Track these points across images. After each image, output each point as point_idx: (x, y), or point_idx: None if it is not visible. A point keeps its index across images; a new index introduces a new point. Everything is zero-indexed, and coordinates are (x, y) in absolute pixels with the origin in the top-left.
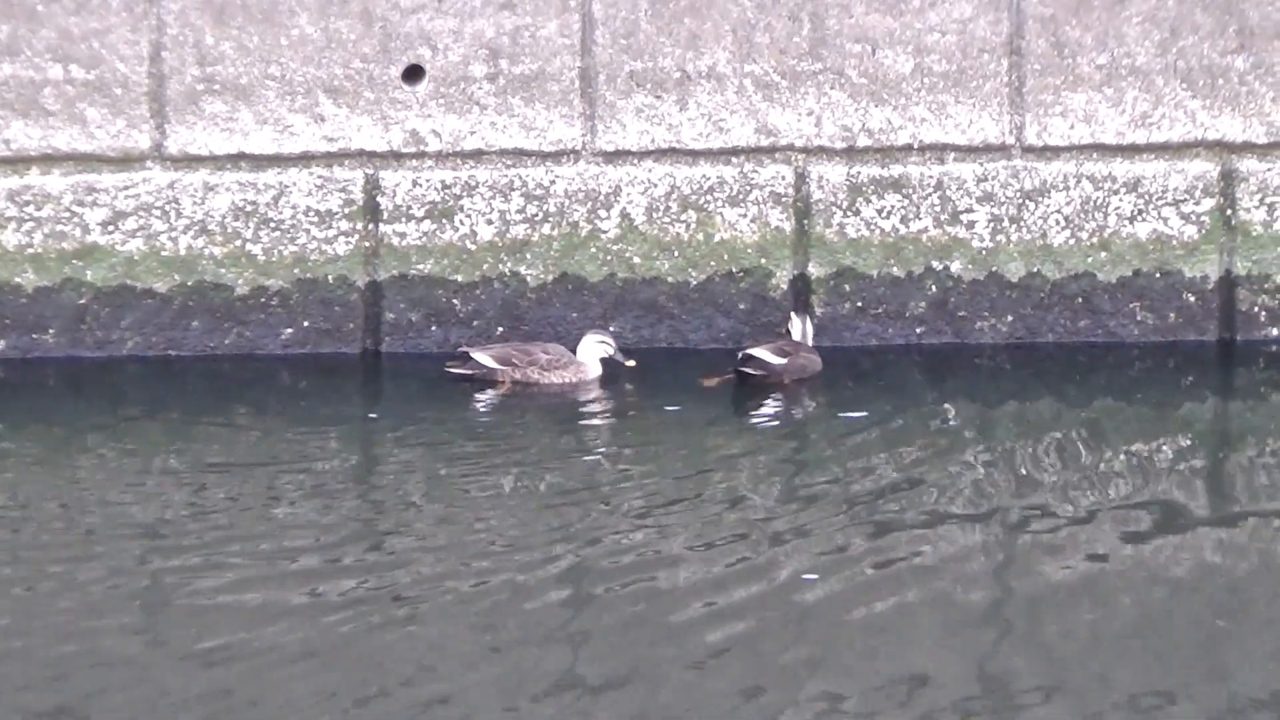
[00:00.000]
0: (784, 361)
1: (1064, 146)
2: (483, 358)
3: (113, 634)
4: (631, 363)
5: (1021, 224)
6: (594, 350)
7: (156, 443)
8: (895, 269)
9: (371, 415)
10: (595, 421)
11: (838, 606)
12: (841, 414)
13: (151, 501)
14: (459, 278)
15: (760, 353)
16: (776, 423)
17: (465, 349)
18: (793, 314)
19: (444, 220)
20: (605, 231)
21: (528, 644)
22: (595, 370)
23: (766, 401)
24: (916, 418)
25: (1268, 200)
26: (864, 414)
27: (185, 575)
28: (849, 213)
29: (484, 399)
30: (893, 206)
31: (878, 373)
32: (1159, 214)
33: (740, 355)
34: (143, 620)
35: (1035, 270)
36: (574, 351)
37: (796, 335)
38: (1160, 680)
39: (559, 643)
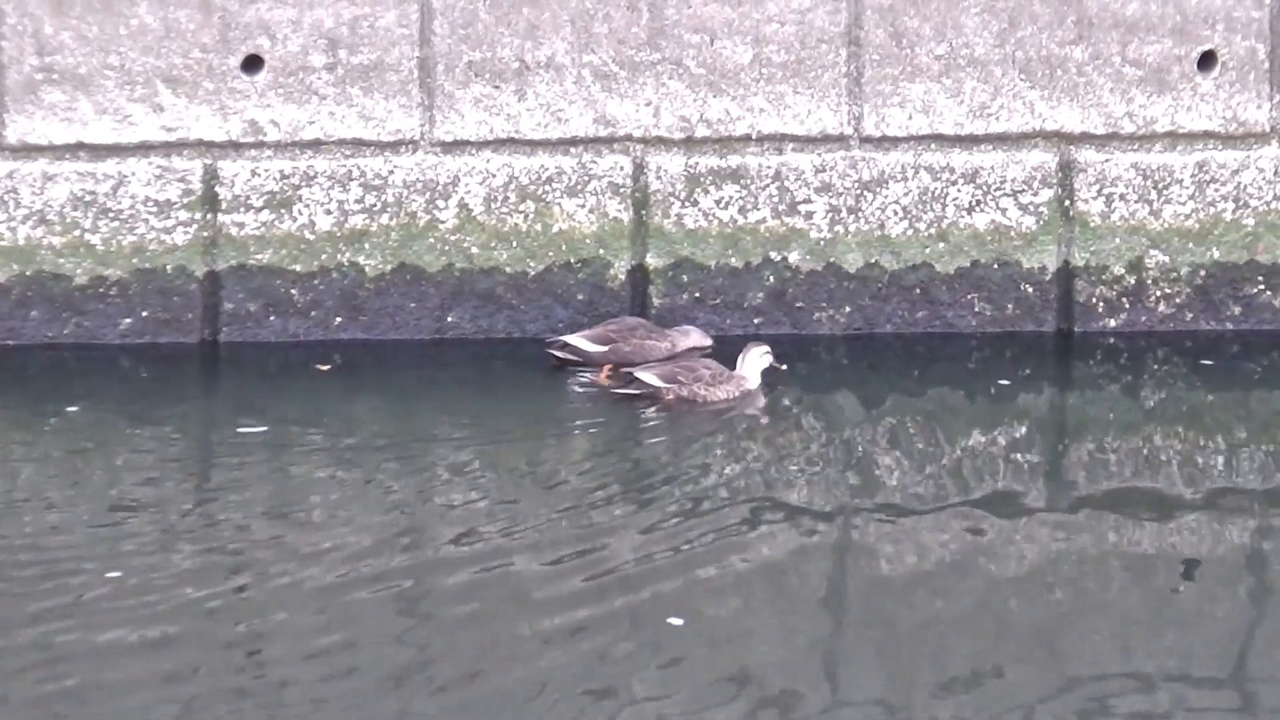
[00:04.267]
0: (603, 349)
1: (902, 137)
2: (647, 376)
3: None
4: (783, 366)
5: (860, 215)
6: (758, 363)
7: None
8: (733, 259)
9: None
10: (449, 408)
11: (672, 602)
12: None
13: None
14: (297, 267)
15: (575, 339)
16: (603, 419)
17: (627, 370)
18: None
19: (282, 210)
20: (443, 222)
21: (363, 629)
22: (755, 382)
23: (600, 394)
24: (751, 408)
25: (1105, 191)
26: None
27: (12, 563)
28: (687, 203)
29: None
30: (731, 197)
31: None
32: (997, 204)
33: (554, 341)
34: None
35: (873, 261)
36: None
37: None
38: (996, 666)
39: (396, 630)
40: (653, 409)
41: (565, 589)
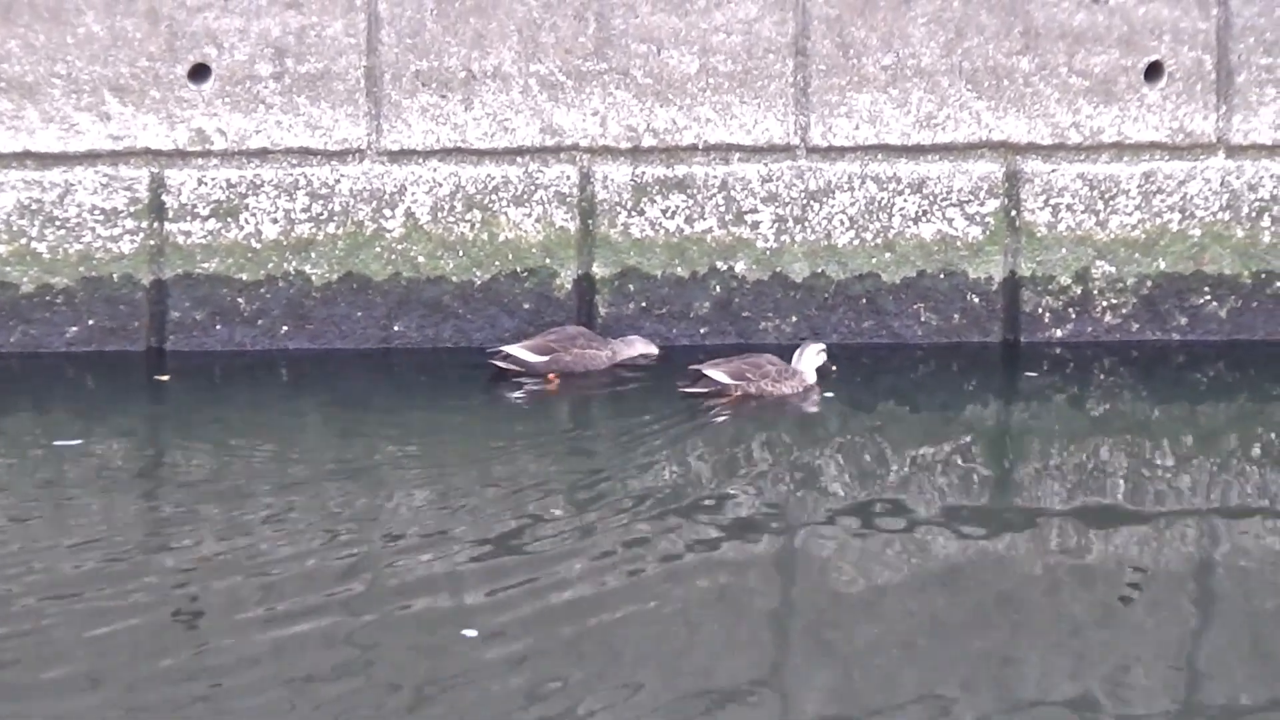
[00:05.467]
0: (544, 359)
1: (849, 147)
2: (716, 374)
3: None
4: (834, 366)
5: (806, 224)
6: (814, 361)
7: None
8: (680, 269)
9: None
10: (393, 418)
11: (618, 606)
12: (608, 416)
13: None
14: (244, 276)
15: (515, 350)
16: (545, 429)
17: (696, 367)
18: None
19: (229, 219)
20: (390, 231)
21: (309, 629)
22: (813, 379)
23: (547, 402)
24: (698, 418)
25: (1052, 201)
26: (647, 416)
27: None
28: (633, 213)
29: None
30: (677, 206)
31: (657, 372)
32: (944, 215)
33: (495, 351)
34: None
35: (819, 271)
36: (789, 360)
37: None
38: (938, 678)
39: (335, 636)
40: (719, 406)
41: (503, 599)
